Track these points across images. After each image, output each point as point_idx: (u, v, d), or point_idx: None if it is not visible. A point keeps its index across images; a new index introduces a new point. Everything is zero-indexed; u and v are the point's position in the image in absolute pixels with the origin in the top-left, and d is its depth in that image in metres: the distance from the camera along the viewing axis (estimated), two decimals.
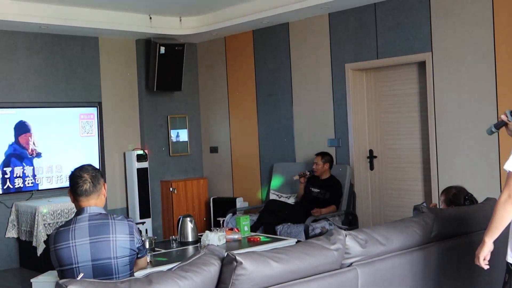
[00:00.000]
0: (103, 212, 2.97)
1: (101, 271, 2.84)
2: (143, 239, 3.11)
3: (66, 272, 2.83)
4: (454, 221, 3.48)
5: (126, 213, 7.91)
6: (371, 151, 6.82)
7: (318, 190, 6.55)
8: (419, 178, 6.35)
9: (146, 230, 7.74)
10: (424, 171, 6.28)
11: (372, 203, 6.82)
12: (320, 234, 6.03)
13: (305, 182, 6.71)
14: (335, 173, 6.61)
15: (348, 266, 2.93)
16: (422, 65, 6.15)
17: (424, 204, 3.55)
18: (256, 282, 2.54)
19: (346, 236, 2.93)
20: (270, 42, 7.59)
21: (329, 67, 6.92)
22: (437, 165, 5.97)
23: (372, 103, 6.80)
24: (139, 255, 3.03)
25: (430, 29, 5.95)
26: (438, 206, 4.27)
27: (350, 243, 2.93)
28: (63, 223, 3.00)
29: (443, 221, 3.40)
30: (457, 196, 4.01)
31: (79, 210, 2.95)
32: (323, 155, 6.60)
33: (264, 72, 7.71)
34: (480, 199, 3.96)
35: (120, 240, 2.89)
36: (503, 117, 2.98)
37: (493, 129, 3.08)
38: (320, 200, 6.48)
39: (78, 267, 2.81)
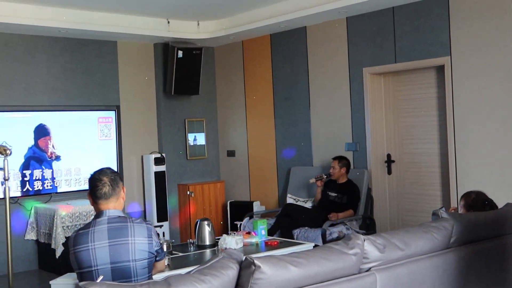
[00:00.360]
0: (122, 215, 2.99)
1: (120, 274, 2.85)
2: (161, 242, 3.12)
3: (85, 274, 2.85)
4: (473, 227, 3.45)
5: (143, 216, 7.95)
6: (389, 156, 6.79)
7: (335, 194, 6.53)
8: (438, 183, 6.30)
9: (164, 233, 7.77)
10: (443, 176, 6.23)
11: (390, 207, 6.78)
12: (338, 238, 6.01)
13: (322, 186, 6.70)
14: (352, 177, 6.58)
15: (367, 271, 2.92)
16: (440, 69, 6.11)
17: (443, 209, 3.52)
18: (274, 286, 2.53)
19: (364, 240, 2.91)
20: (287, 46, 7.59)
21: (346, 71, 6.90)
22: (456, 170, 5.92)
23: (390, 107, 6.77)
24: (157, 258, 3.04)
25: (449, 33, 5.91)
26: (457, 211, 4.23)
27: (369, 247, 2.91)
28: (83, 225, 3.02)
29: (462, 226, 3.37)
30: (476, 201, 3.98)
31: (98, 213, 2.97)
32: (340, 159, 6.58)
33: (282, 76, 7.71)
34: (500, 204, 3.92)
35: (138, 243, 2.91)
36: None
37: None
38: (337, 204, 6.46)
39: (97, 269, 2.83)
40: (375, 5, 6.32)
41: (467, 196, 4.04)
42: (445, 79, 5.99)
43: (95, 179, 2.98)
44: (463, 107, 5.85)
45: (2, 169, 4.86)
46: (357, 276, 2.85)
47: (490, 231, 3.55)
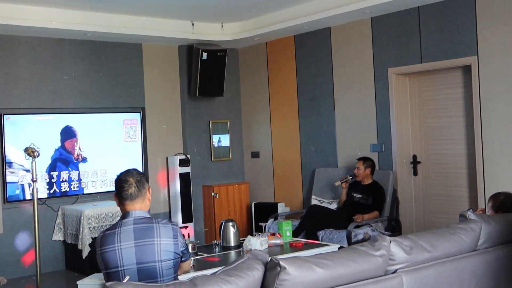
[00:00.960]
0: (148, 216, 3.01)
1: (146, 274, 2.87)
2: (186, 243, 3.13)
3: (112, 274, 2.88)
4: (502, 228, 3.40)
5: (168, 217, 8.00)
6: (414, 157, 6.72)
7: (360, 196, 6.50)
8: (465, 184, 6.22)
9: (188, 234, 7.79)
10: (470, 177, 6.15)
11: (416, 209, 6.71)
12: (363, 240, 5.97)
13: (347, 187, 6.67)
14: (377, 179, 6.54)
15: (393, 272, 2.89)
16: (467, 69, 6.03)
17: (471, 210, 3.48)
18: (299, 287, 2.52)
19: (390, 242, 2.89)
20: (311, 47, 7.57)
21: (371, 71, 6.86)
22: (483, 171, 5.84)
23: (415, 107, 6.70)
24: (183, 259, 3.05)
25: (475, 32, 5.84)
26: (485, 213, 4.18)
27: (395, 249, 2.89)
28: (108, 226, 3.04)
29: (490, 228, 3.32)
30: (505, 202, 3.92)
31: (124, 214, 2.99)
32: (365, 160, 6.55)
33: (306, 77, 7.70)
34: None
35: (164, 244, 2.92)
36: None
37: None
38: (362, 206, 6.42)
39: (123, 270, 2.86)
40: (400, 5, 6.27)
41: (495, 197, 3.99)
42: (472, 79, 5.91)
43: (121, 180, 3.01)
44: (490, 107, 5.77)
45: (29, 170, 4.93)
46: (383, 278, 2.83)
47: None
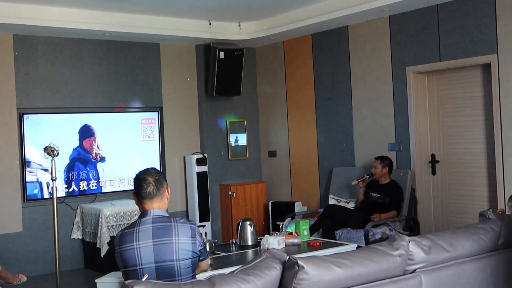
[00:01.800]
0: (166, 215, 3.02)
1: (164, 273, 2.89)
2: (204, 242, 3.14)
3: (131, 273, 2.89)
4: None
5: (186, 216, 8.02)
6: (433, 156, 6.67)
7: (378, 195, 6.46)
8: (484, 184, 6.16)
9: (206, 233, 7.83)
10: (489, 176, 6.09)
11: (434, 208, 6.66)
12: (381, 239, 5.94)
13: (364, 186, 6.63)
14: (395, 178, 6.50)
15: (412, 272, 2.88)
16: (487, 68, 5.97)
17: (490, 210, 3.44)
18: (318, 287, 2.52)
19: (409, 242, 2.87)
20: (329, 46, 7.55)
21: (389, 70, 6.82)
22: (503, 171, 5.78)
23: (434, 106, 6.65)
24: (201, 258, 3.06)
25: (495, 30, 5.78)
26: (505, 213, 4.13)
27: (414, 249, 2.87)
28: (127, 225, 3.06)
29: (511, 228, 3.29)
30: None
31: (143, 213, 3.00)
32: (382, 159, 6.51)
33: (323, 76, 7.67)
34: None
35: (182, 243, 2.93)
36: None
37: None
38: (380, 205, 6.39)
39: (142, 268, 2.87)
40: (419, 2, 6.23)
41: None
42: (491, 78, 5.85)
43: (140, 179, 3.02)
44: (510, 106, 5.71)
45: (47, 170, 4.97)
46: (402, 277, 2.82)
47: None
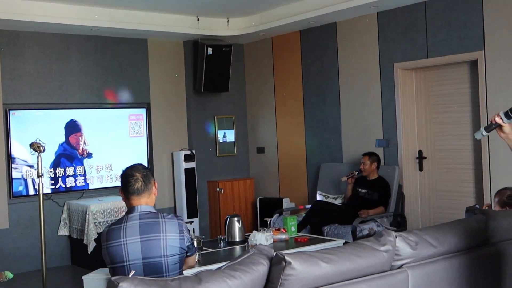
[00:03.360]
0: (154, 211, 3.01)
1: (152, 269, 2.87)
2: (192, 237, 3.14)
3: (118, 269, 2.88)
4: (508, 224, 3.38)
5: (174, 212, 8.00)
6: (420, 152, 6.70)
7: (366, 191, 6.49)
8: (471, 180, 6.20)
9: (194, 229, 7.82)
10: (476, 172, 6.13)
11: (421, 204, 6.70)
12: (368, 235, 5.96)
13: (352, 183, 6.65)
14: (383, 174, 6.52)
15: (398, 268, 2.88)
16: (474, 64, 6.00)
17: (477, 206, 3.47)
18: (305, 282, 2.52)
19: (396, 237, 2.88)
20: (317, 42, 7.55)
21: (377, 66, 6.84)
22: (490, 167, 5.82)
23: (421, 103, 6.68)
24: (188, 254, 3.06)
25: (482, 27, 5.81)
26: (491, 208, 4.16)
27: (401, 244, 2.88)
28: (114, 221, 3.04)
29: (497, 223, 3.31)
30: (511, 197, 3.91)
31: (130, 209, 2.99)
32: (370, 155, 6.54)
33: (311, 72, 7.68)
34: None
35: (170, 239, 2.92)
36: (497, 119, 2.88)
37: (484, 133, 2.95)
38: (368, 201, 6.41)
39: (129, 264, 2.86)
40: None
41: (502, 192, 3.98)
42: (478, 74, 5.88)
43: (128, 175, 3.01)
44: (497, 103, 5.74)
45: (33, 166, 4.93)
46: (389, 273, 2.82)
47: None
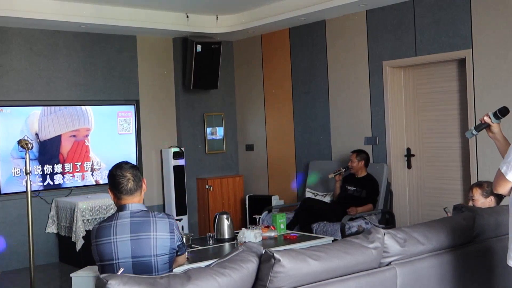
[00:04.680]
0: (144, 209, 2.99)
1: (141, 268, 2.86)
2: (181, 235, 3.12)
3: (107, 267, 2.87)
4: (495, 221, 3.41)
5: (162, 210, 7.99)
6: (408, 150, 6.74)
7: (354, 188, 6.51)
8: (458, 177, 6.24)
9: (182, 227, 7.81)
10: (464, 170, 6.17)
11: (410, 202, 6.73)
12: (357, 232, 5.99)
13: (340, 180, 6.67)
14: (372, 171, 6.55)
15: (387, 265, 2.90)
16: (462, 62, 6.04)
17: (460, 206, 3.51)
18: (294, 279, 2.53)
19: (384, 234, 2.90)
20: (306, 40, 7.56)
21: (366, 64, 6.86)
22: (477, 164, 5.86)
23: (410, 101, 6.71)
24: (178, 253, 3.04)
25: (470, 26, 5.84)
26: (467, 203, 4.20)
27: (389, 242, 2.90)
28: (102, 219, 3.02)
29: (484, 221, 3.33)
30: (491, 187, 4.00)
31: (121, 207, 2.96)
32: (359, 152, 6.56)
33: (301, 70, 7.69)
34: None
35: (160, 238, 2.91)
36: (486, 118, 2.96)
37: (474, 132, 3.03)
38: (356, 199, 6.43)
39: (118, 263, 2.84)
40: None
41: (480, 185, 4.05)
42: (466, 72, 5.92)
43: (118, 175, 2.96)
44: (485, 101, 5.78)
45: (21, 162, 4.88)
46: (377, 270, 2.84)
47: None
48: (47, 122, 7.08)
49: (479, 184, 4.10)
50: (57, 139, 7.18)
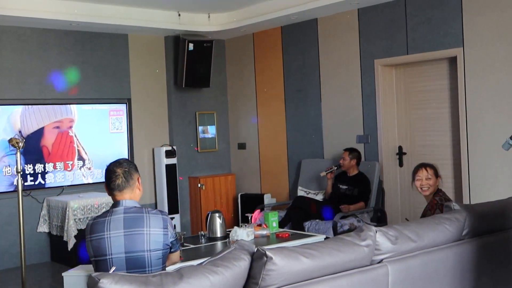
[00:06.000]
0: (138, 205, 3.02)
1: (134, 264, 2.87)
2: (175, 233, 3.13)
3: (100, 262, 2.88)
4: (486, 218, 3.43)
5: (155, 208, 7.96)
6: (400, 148, 6.76)
7: (346, 187, 6.52)
8: (450, 175, 6.26)
9: (175, 225, 7.80)
10: (455, 168, 6.20)
11: (401, 200, 6.76)
12: (349, 230, 6.00)
13: (332, 179, 6.68)
14: (363, 170, 6.57)
15: (379, 262, 2.91)
16: (453, 61, 6.06)
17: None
18: (286, 277, 2.53)
19: (376, 232, 2.91)
20: (298, 38, 7.56)
21: (358, 63, 6.87)
22: (468, 162, 5.89)
23: (401, 99, 6.73)
24: (172, 250, 3.06)
25: (461, 24, 5.86)
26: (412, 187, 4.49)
27: (381, 239, 2.91)
28: (98, 214, 3.05)
29: (475, 218, 3.35)
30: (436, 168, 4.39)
31: (115, 203, 3.01)
32: (351, 150, 6.57)
33: (293, 68, 7.69)
34: None
35: (153, 234, 2.93)
36: None
37: (511, 142, 3.02)
38: (348, 197, 6.45)
39: (111, 258, 2.86)
40: None
41: (430, 166, 4.34)
42: (457, 71, 5.94)
43: (110, 171, 3.03)
44: (476, 99, 5.81)
45: (10, 161, 4.85)
46: (369, 267, 2.85)
47: (504, 222, 3.53)
48: (29, 116, 7.02)
49: (429, 165, 4.37)
50: (40, 132, 7.11)
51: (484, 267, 3.35)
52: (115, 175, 3.00)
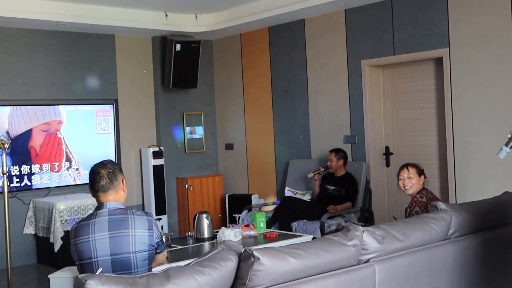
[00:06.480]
0: (122, 207, 3.00)
1: (120, 266, 2.86)
2: (161, 234, 3.12)
3: (86, 266, 2.86)
4: (472, 218, 3.46)
5: (142, 210, 7.95)
6: (387, 148, 6.79)
7: (334, 187, 6.54)
8: (436, 175, 6.30)
9: (162, 226, 7.78)
10: (441, 168, 6.24)
11: (388, 200, 6.79)
12: (336, 230, 6.01)
13: (319, 179, 6.70)
14: (351, 170, 6.59)
15: (365, 262, 2.92)
16: (439, 61, 6.10)
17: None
18: (273, 277, 2.54)
19: (363, 232, 2.92)
20: (286, 39, 7.58)
21: (345, 63, 6.90)
22: (454, 162, 5.93)
23: (388, 99, 6.77)
24: (158, 250, 3.04)
25: (447, 25, 5.90)
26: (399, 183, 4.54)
27: (368, 239, 2.92)
28: (83, 217, 3.03)
29: (461, 217, 3.37)
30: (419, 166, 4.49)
31: (99, 205, 2.98)
32: (337, 151, 6.59)
33: (280, 69, 7.70)
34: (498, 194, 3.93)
35: (139, 235, 2.91)
36: None
37: (507, 150, 3.03)
38: (336, 197, 6.46)
39: (97, 261, 2.84)
40: None
41: (412, 165, 4.47)
42: (443, 71, 5.98)
43: (94, 172, 3.01)
44: (461, 99, 5.85)
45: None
46: (356, 267, 2.86)
47: (489, 221, 3.56)
48: (17, 117, 6.97)
49: (411, 164, 4.48)
50: (28, 133, 7.07)
51: (471, 266, 3.37)
52: (99, 176, 2.98)
